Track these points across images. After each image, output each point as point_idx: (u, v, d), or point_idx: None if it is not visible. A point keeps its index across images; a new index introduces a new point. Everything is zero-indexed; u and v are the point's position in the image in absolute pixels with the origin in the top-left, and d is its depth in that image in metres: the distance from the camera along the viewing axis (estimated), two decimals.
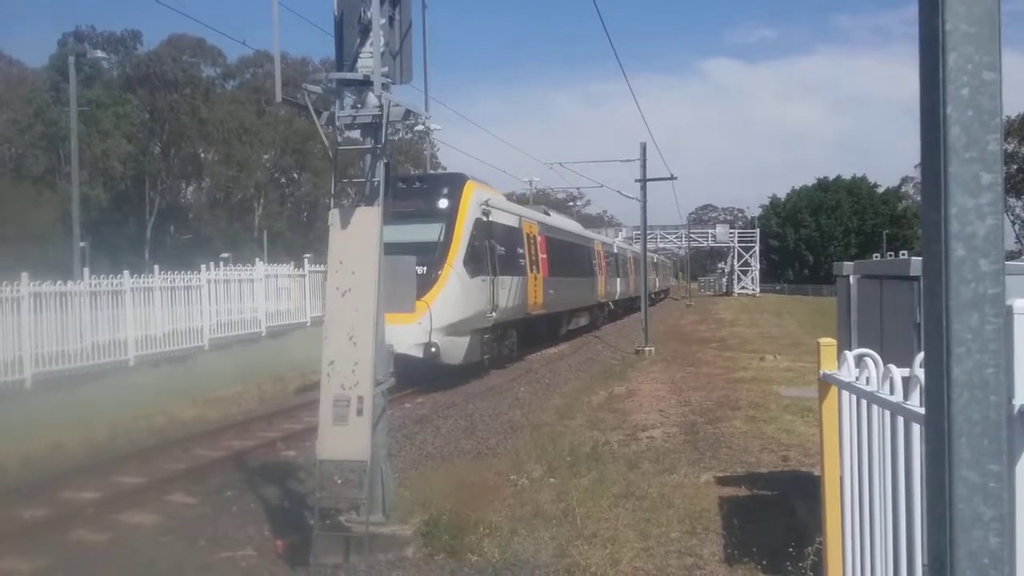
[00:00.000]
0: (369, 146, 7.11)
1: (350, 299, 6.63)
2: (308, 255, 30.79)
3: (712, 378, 17.15)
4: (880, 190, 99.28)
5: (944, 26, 1.60)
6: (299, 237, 65.27)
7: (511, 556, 6.41)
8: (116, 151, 53.43)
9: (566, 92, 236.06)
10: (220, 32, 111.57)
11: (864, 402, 3.33)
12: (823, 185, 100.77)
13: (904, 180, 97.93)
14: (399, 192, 15.49)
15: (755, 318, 41.93)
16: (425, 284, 14.34)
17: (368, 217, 6.84)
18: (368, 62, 6.86)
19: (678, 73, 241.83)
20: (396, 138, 49.06)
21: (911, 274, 5.16)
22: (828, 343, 3.92)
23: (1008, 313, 1.93)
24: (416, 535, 6.73)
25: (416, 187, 17.79)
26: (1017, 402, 2.13)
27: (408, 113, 7.25)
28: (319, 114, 7.15)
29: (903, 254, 7.90)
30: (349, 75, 6.89)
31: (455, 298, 16.23)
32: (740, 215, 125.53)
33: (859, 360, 3.49)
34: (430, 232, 16.13)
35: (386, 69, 6.93)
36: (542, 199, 58.77)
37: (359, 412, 6.42)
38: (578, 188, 64.17)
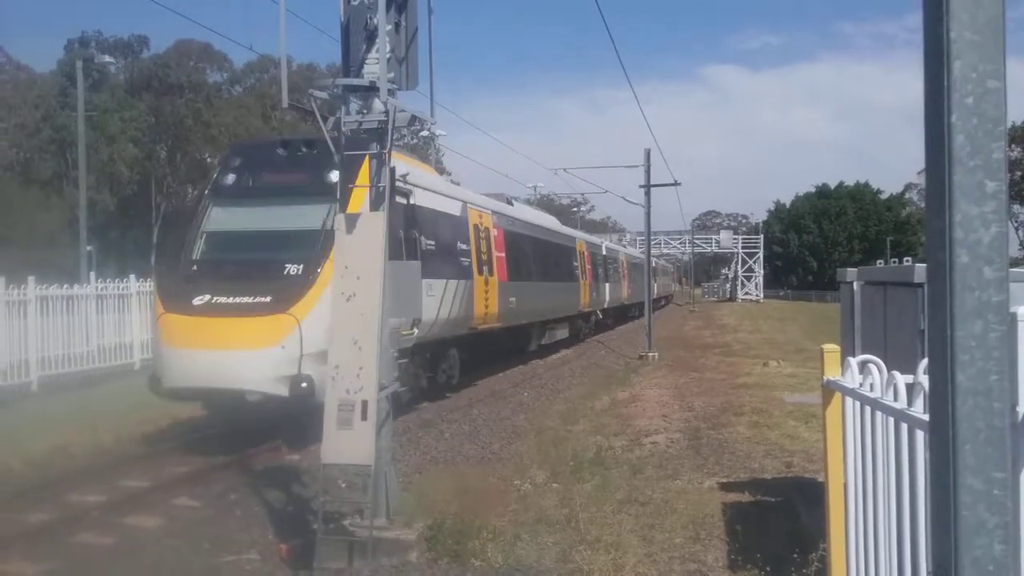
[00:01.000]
0: (375, 151, 7.13)
1: (355, 304, 6.65)
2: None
3: (715, 383, 17.12)
4: (884, 196, 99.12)
5: (949, 34, 1.61)
6: None
7: (514, 561, 6.41)
8: (123, 155, 53.58)
9: (570, 98, 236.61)
10: (227, 38, 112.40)
11: (868, 408, 3.33)
12: (824, 192, 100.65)
13: (908, 187, 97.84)
14: (275, 160, 12.01)
15: (758, 324, 41.83)
16: (292, 289, 10.45)
17: (373, 222, 6.86)
18: (374, 68, 6.89)
19: (681, 79, 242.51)
20: (402, 143, 49.17)
21: (915, 281, 5.16)
22: (832, 349, 3.93)
23: (1012, 320, 1.94)
24: (420, 539, 6.73)
25: (299, 154, 11.95)
26: (1021, 409, 2.13)
27: (414, 119, 7.27)
28: (325, 119, 7.18)
29: (907, 260, 7.90)
30: (355, 81, 6.91)
31: None
32: (744, 221, 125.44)
33: (863, 366, 3.49)
34: (308, 216, 11.17)
35: (392, 75, 6.95)
36: (547, 204, 58.74)
37: (363, 416, 6.43)
38: (582, 194, 64.34)
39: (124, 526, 7.65)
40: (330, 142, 7.07)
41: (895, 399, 3.06)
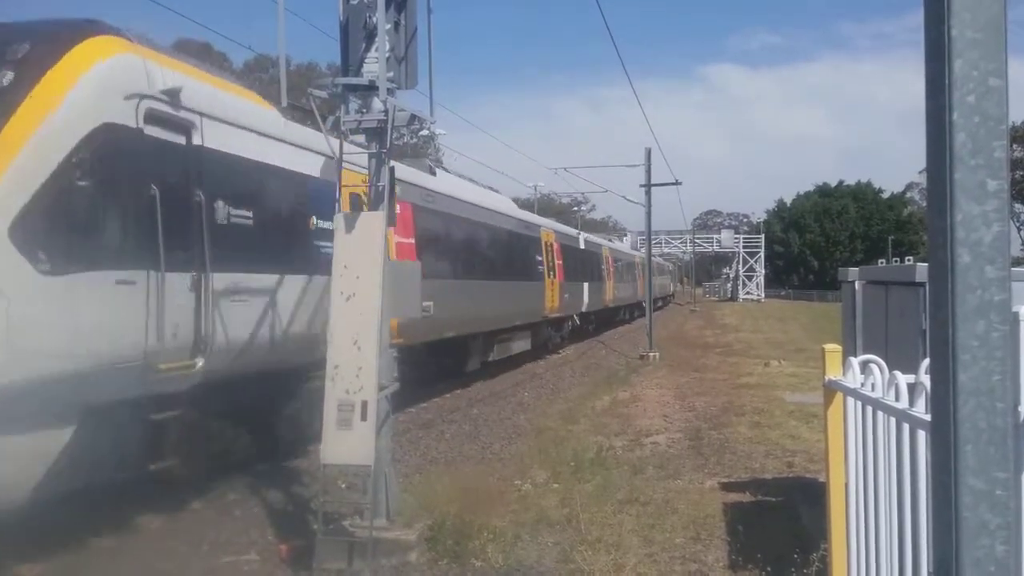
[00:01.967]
0: (374, 150, 7.13)
1: (354, 304, 6.63)
2: None
3: (716, 383, 17.12)
4: (885, 195, 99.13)
5: (950, 32, 1.60)
6: None
7: (515, 561, 6.40)
8: None
9: (570, 97, 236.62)
10: (226, 37, 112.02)
11: (869, 408, 3.32)
12: (825, 191, 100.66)
13: (909, 186, 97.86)
14: None
15: (759, 324, 41.83)
16: None
17: (373, 222, 6.85)
18: (374, 67, 6.88)
19: (681, 79, 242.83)
20: (401, 143, 49.16)
21: (916, 280, 5.15)
22: (833, 349, 3.92)
23: (1014, 320, 1.92)
24: (420, 540, 6.72)
25: None
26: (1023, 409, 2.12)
27: (413, 118, 7.27)
28: (324, 119, 7.16)
29: (908, 260, 7.90)
30: (355, 80, 6.90)
31: None
32: (745, 220, 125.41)
33: (864, 366, 3.48)
34: None
35: (391, 74, 6.94)
36: (547, 204, 58.57)
37: (363, 417, 6.42)
38: (583, 193, 64.19)
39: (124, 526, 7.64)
40: (328, 142, 7.05)
41: (897, 399, 3.05)
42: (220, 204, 7.98)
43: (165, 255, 6.90)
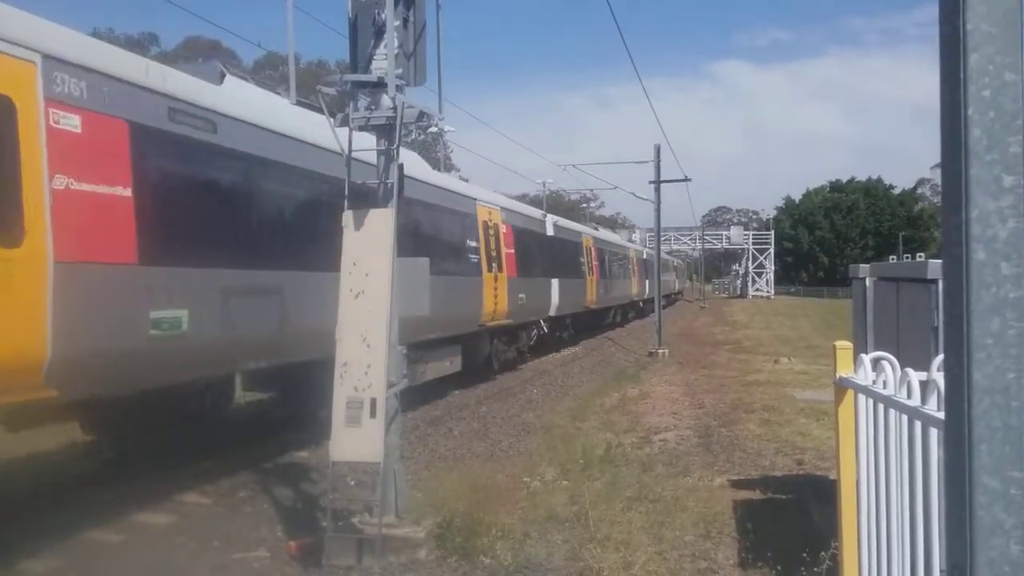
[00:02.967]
0: (383, 147, 7.12)
1: (363, 301, 6.64)
2: None
3: (726, 380, 17.07)
4: (896, 191, 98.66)
5: (965, 26, 1.58)
6: None
7: (524, 559, 6.40)
8: None
9: (578, 94, 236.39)
10: (236, 35, 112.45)
11: (881, 406, 3.30)
12: (836, 187, 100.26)
13: (920, 182, 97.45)
14: None
15: (769, 320, 41.72)
16: None
17: (382, 219, 6.85)
18: (382, 64, 6.87)
19: (689, 75, 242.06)
20: (410, 139, 49.15)
21: (928, 277, 5.12)
22: (844, 346, 3.89)
23: None
24: (429, 537, 6.73)
25: None
26: None
27: (422, 115, 7.25)
28: (333, 116, 7.15)
29: (920, 256, 7.85)
30: (363, 77, 6.90)
31: None
32: (755, 217, 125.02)
33: (876, 363, 3.46)
34: None
35: (400, 71, 6.94)
36: (555, 201, 58.49)
37: (372, 414, 6.43)
38: (592, 190, 64.01)
39: (132, 522, 7.68)
40: (337, 137, 7.06)
41: (909, 396, 3.03)
42: None
43: None
